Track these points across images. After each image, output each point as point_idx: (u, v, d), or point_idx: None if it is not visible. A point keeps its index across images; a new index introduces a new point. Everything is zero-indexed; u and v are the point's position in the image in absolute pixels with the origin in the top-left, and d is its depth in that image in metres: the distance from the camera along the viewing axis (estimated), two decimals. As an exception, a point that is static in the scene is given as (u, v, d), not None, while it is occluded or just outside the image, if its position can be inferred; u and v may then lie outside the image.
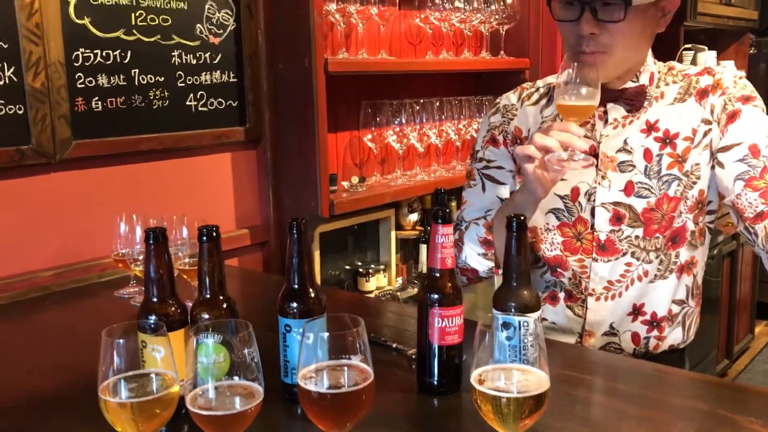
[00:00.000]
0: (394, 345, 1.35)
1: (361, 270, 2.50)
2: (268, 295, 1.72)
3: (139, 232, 1.67)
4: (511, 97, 1.63)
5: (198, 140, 2.08)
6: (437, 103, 2.54)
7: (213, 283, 1.11)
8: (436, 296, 1.14)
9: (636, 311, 1.50)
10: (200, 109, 2.08)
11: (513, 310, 1.13)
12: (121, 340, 0.91)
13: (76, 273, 1.82)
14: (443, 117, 2.57)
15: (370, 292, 2.48)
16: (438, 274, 1.15)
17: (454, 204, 2.71)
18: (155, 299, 1.09)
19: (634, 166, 1.45)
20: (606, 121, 1.49)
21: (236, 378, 0.93)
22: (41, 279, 1.77)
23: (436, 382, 1.17)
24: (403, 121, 2.42)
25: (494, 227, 1.54)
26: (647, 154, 1.45)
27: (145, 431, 0.91)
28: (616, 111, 1.48)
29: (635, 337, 1.51)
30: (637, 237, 1.46)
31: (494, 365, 0.95)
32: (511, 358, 0.98)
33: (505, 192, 1.59)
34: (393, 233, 2.56)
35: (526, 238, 1.14)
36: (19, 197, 1.74)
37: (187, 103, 2.05)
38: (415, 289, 2.51)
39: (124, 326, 0.94)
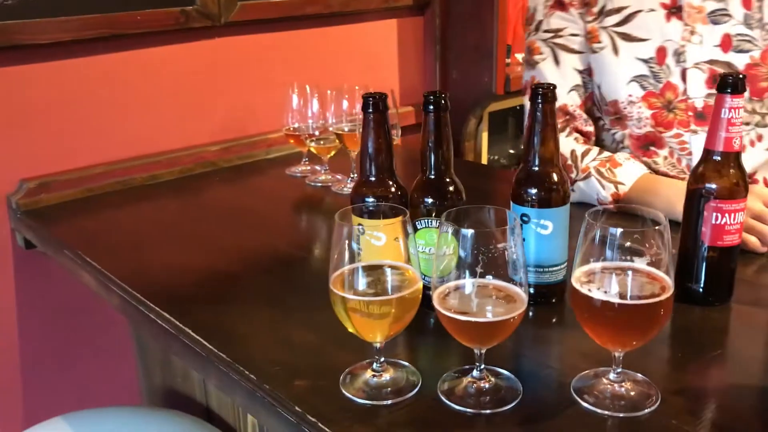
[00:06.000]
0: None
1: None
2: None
3: (315, 105, 1.50)
4: None
5: (365, 4, 1.86)
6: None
7: (438, 162, 0.92)
8: (715, 186, 0.91)
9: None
10: (368, -32, 1.85)
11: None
12: (360, 226, 0.74)
13: (242, 149, 1.69)
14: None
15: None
16: (719, 158, 0.91)
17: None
18: (373, 178, 0.92)
19: (730, 16, 1.23)
20: None
21: (490, 277, 0.75)
22: (208, 154, 1.65)
23: (702, 290, 0.96)
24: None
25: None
26: None
27: (389, 333, 0.77)
28: None
29: None
30: None
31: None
32: None
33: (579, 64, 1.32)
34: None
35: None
36: (183, 64, 1.60)
37: (355, -39, 1.82)
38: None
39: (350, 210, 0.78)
